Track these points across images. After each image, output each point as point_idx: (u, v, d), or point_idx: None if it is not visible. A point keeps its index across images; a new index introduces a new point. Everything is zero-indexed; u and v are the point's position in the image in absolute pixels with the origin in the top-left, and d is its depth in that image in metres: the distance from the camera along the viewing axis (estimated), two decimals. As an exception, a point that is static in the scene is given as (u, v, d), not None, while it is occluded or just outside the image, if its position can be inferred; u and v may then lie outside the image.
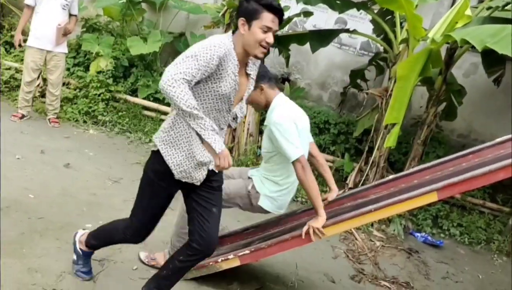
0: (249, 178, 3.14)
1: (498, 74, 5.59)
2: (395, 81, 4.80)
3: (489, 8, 4.81)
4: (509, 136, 3.15)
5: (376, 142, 5.20)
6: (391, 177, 3.44)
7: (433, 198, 2.73)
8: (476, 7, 5.13)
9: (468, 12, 4.51)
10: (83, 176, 4.44)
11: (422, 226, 5.37)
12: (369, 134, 5.58)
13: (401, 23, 5.29)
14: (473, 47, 4.09)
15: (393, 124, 4.79)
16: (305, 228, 2.83)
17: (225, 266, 2.98)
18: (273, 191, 3.05)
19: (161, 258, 3.19)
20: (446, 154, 5.63)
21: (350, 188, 5.27)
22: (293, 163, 2.84)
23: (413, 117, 6.35)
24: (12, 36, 6.41)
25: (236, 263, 2.97)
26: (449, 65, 5.15)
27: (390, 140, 4.76)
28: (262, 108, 3.12)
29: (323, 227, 2.81)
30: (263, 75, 2.97)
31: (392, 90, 4.90)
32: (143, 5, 6.90)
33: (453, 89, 5.46)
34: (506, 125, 5.97)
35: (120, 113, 6.17)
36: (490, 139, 3.32)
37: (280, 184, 3.05)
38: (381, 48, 6.09)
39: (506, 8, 4.82)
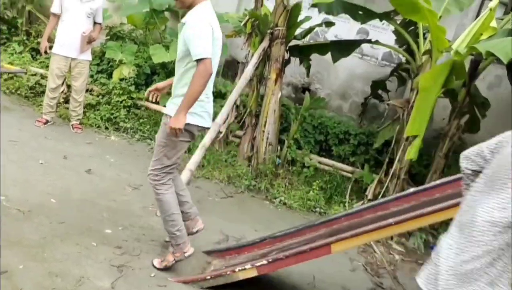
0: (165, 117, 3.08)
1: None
2: (417, 93, 4.76)
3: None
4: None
5: (397, 154, 5.14)
6: (412, 190, 3.40)
7: (456, 212, 2.68)
8: (502, 19, 5.05)
9: (493, 24, 4.45)
10: (104, 182, 4.49)
11: (443, 240, 5.26)
12: (390, 146, 5.52)
13: (424, 34, 5.24)
14: (497, 59, 4.02)
15: (415, 137, 4.74)
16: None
17: (242, 276, 2.97)
18: None
19: (169, 256, 3.21)
20: (469, 167, 5.54)
21: (370, 200, 5.22)
22: (197, 61, 2.81)
23: (435, 129, 6.26)
24: (38, 43, 6.55)
25: (254, 273, 2.96)
26: (473, 78, 5.08)
27: (411, 153, 4.71)
28: (184, 7, 3.02)
29: (342, 239, 2.79)
30: None
31: (414, 102, 4.85)
32: (166, 13, 6.99)
33: (476, 102, 5.38)
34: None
35: (141, 120, 6.24)
36: (515, 153, 3.24)
37: None
38: (403, 59, 6.03)
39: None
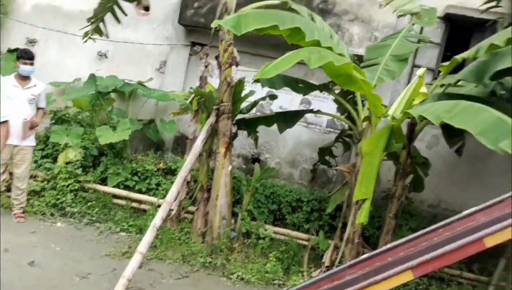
0: None
1: (459, 145, 5.83)
2: (362, 157, 4.92)
3: (442, 85, 5.11)
4: (476, 208, 3.21)
5: (349, 218, 5.21)
6: (365, 256, 3.41)
7: (409, 276, 2.72)
8: (431, 84, 5.43)
9: (423, 89, 4.77)
10: (49, 274, 4.23)
11: (403, 302, 5.26)
12: (342, 210, 5.60)
13: (362, 102, 5.53)
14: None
15: (364, 200, 4.84)
16: None
17: None
18: None
19: None
20: (419, 225, 5.71)
21: (327, 267, 5.19)
22: None
23: (383, 190, 6.45)
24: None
25: None
26: (411, 139, 5.34)
27: (362, 216, 4.78)
28: None
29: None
30: None
31: (359, 166, 5.01)
32: (112, 94, 7.03)
33: (417, 162, 5.63)
34: (473, 193, 6.14)
35: (89, 204, 6.03)
36: (460, 208, 3.39)
37: None
38: (346, 126, 6.30)
39: (457, 84, 5.14)
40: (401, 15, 5.28)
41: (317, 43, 4.51)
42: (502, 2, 5.84)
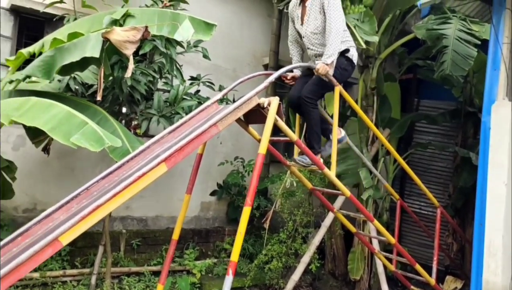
0: None
1: (46, 143, 5.65)
2: None
3: (11, 81, 4.72)
4: (54, 207, 3.11)
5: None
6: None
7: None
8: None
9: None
10: None
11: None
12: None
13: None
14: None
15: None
16: None
17: None
18: None
19: None
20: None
21: None
22: None
23: None
24: None
25: None
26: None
27: None
28: None
29: None
30: None
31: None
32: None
33: (1, 167, 5.11)
34: (68, 189, 6.06)
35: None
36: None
37: None
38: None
39: (32, 80, 4.90)
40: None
41: None
42: (67, -1, 5.86)
